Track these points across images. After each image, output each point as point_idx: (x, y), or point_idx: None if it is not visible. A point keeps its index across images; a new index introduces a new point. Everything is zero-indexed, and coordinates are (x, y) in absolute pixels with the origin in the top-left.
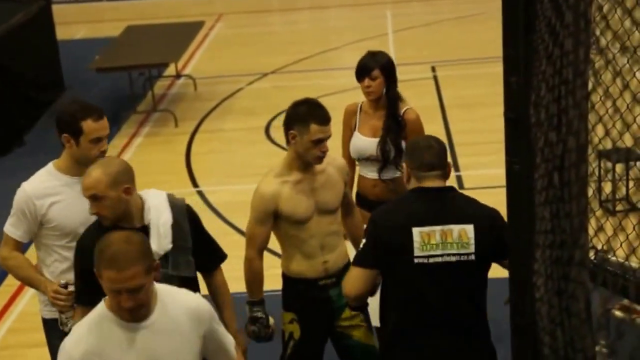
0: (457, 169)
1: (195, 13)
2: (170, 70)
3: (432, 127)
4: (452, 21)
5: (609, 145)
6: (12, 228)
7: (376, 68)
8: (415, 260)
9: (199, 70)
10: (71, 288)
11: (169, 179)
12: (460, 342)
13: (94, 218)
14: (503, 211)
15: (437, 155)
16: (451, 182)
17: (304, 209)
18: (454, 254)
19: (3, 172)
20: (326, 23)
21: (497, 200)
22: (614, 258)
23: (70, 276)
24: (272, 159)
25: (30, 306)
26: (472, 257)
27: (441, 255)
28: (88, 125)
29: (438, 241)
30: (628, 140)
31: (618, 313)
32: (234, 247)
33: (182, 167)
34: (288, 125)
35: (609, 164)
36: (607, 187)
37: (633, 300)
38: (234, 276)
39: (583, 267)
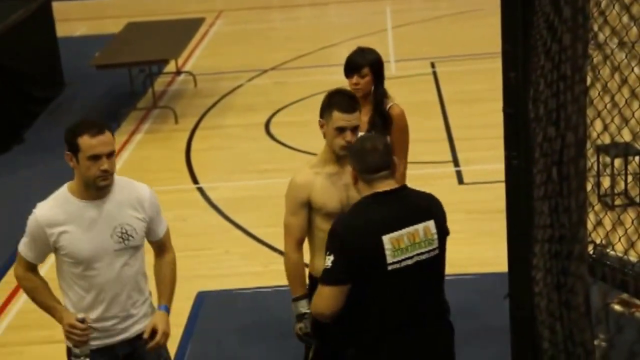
0: (456, 164)
1: (195, 10)
2: (171, 67)
3: (432, 123)
4: (451, 17)
5: (607, 139)
6: (25, 249)
7: (366, 66)
8: (389, 267)
9: (199, 66)
10: (89, 324)
11: (169, 176)
12: (438, 329)
13: (107, 246)
14: (502, 206)
15: (381, 157)
16: (450, 177)
17: (336, 201)
18: (423, 252)
19: (2, 170)
20: (326, 19)
21: (496, 195)
22: (612, 252)
23: (91, 312)
24: (272, 155)
25: (29, 303)
26: (437, 250)
27: (411, 257)
28: (84, 141)
29: (407, 244)
30: (626, 135)
31: (617, 307)
32: (234, 244)
33: (182, 164)
34: (320, 115)
35: (608, 159)
36: (606, 182)
37: (632, 294)
38: (234, 272)
39: (582, 261)
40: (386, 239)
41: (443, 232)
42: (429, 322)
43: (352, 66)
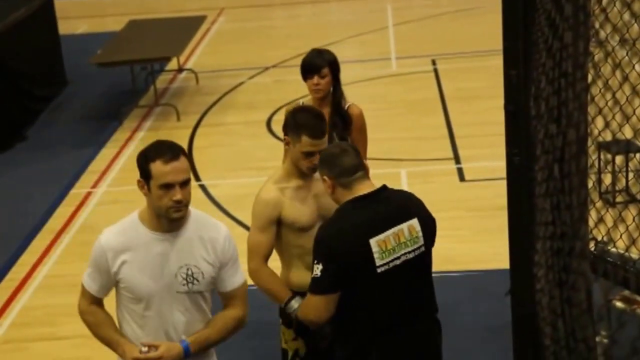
0: (457, 161)
1: (197, 7)
2: (172, 64)
3: (433, 120)
4: (452, 14)
5: (608, 137)
6: (88, 280)
7: (325, 66)
8: (378, 270)
9: (200, 64)
10: (153, 353)
11: None
12: (428, 327)
13: (170, 285)
14: (503, 203)
15: (354, 157)
16: (452, 174)
17: (308, 215)
18: (410, 252)
19: (5, 167)
20: (327, 17)
21: (497, 192)
22: (614, 249)
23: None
24: (273, 152)
25: (33, 300)
26: (423, 248)
27: (399, 257)
28: (156, 167)
29: (394, 245)
30: (628, 132)
31: (619, 304)
32: (236, 240)
33: None
34: (284, 131)
35: (609, 156)
36: (607, 179)
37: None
38: None
39: (584, 258)
40: (373, 241)
41: (428, 229)
42: (419, 320)
43: (311, 67)
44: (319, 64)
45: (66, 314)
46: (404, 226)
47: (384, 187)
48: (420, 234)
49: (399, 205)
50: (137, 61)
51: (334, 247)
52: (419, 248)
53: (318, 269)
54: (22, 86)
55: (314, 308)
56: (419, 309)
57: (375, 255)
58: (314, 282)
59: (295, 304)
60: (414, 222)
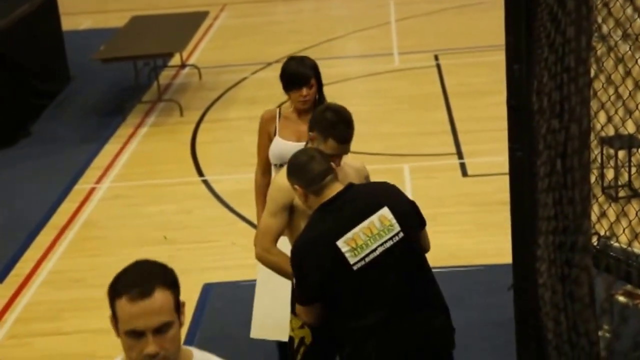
0: (460, 157)
1: (199, 3)
2: (175, 60)
3: (435, 115)
4: (455, 10)
5: (611, 131)
6: None
7: (312, 76)
8: (355, 267)
9: (203, 60)
10: None
11: (174, 168)
12: (433, 312)
13: None
14: (506, 198)
15: (322, 162)
16: (454, 169)
17: None
18: (386, 241)
19: (10, 163)
20: (329, 12)
21: (499, 187)
22: (616, 244)
23: None
24: None
25: (37, 296)
26: (401, 234)
27: (375, 249)
28: (121, 306)
29: (365, 239)
30: (630, 127)
31: (621, 298)
32: (239, 235)
33: (187, 157)
34: (311, 126)
35: (612, 151)
36: (610, 174)
37: (636, 285)
38: (239, 264)
39: (586, 252)
40: (341, 242)
41: (402, 214)
42: (419, 307)
43: (301, 79)
44: (307, 74)
45: (71, 309)
46: (374, 218)
47: (350, 185)
48: (394, 221)
49: (364, 200)
50: (140, 57)
51: (304, 259)
52: (396, 235)
53: (294, 282)
54: (26, 82)
55: (305, 316)
56: (417, 296)
57: (347, 255)
58: (295, 294)
59: None
60: (385, 212)
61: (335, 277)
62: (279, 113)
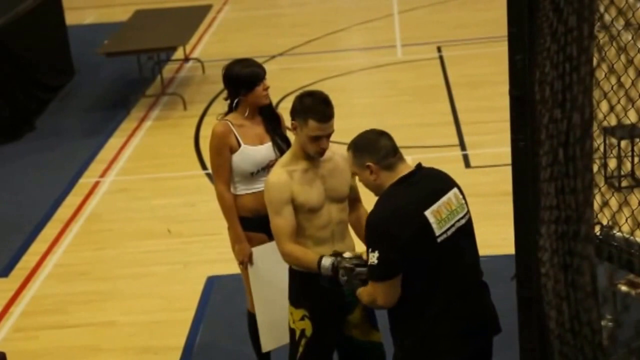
0: (463, 148)
1: None
2: (179, 53)
3: (439, 106)
4: (458, 1)
5: (613, 121)
6: None
7: (264, 71)
8: (439, 239)
9: (207, 53)
10: None
11: (178, 162)
12: (486, 297)
13: None
14: (509, 188)
15: (390, 139)
16: (457, 161)
17: (316, 196)
18: (461, 218)
19: (15, 157)
20: (333, 4)
21: (502, 178)
22: (619, 233)
23: None
24: None
25: (43, 289)
26: (469, 215)
27: (453, 225)
28: None
29: (447, 213)
30: (633, 116)
31: (623, 287)
32: None
33: (191, 150)
34: (291, 116)
35: (614, 140)
36: (612, 163)
37: (638, 274)
38: None
39: (589, 241)
40: (428, 213)
41: (464, 196)
42: (479, 288)
43: (259, 75)
44: (262, 69)
45: (76, 302)
46: (451, 194)
47: (420, 165)
48: (463, 200)
49: (439, 179)
50: (143, 51)
51: (391, 228)
52: (466, 214)
53: (374, 257)
54: (31, 76)
55: (381, 295)
56: (478, 273)
57: (434, 226)
58: (372, 271)
59: (325, 262)
60: (456, 191)
61: (419, 248)
62: (232, 124)
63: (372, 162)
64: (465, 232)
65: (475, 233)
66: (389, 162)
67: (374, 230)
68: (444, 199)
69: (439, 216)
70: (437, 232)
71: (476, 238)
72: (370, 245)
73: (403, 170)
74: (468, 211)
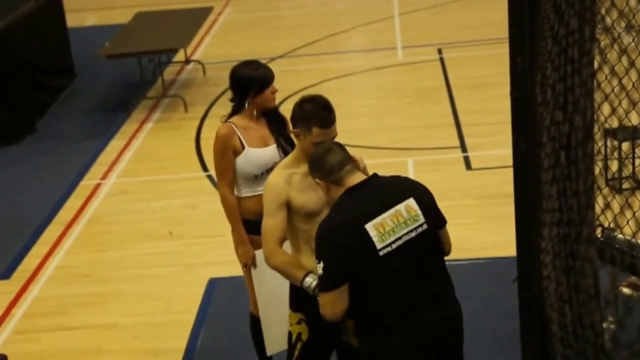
0: (464, 150)
1: None
2: (180, 56)
3: (439, 108)
4: (458, 3)
5: (615, 123)
6: None
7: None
8: (380, 253)
9: (208, 55)
10: None
11: (179, 164)
12: (447, 309)
13: None
14: (510, 190)
15: (339, 153)
16: (458, 162)
17: (315, 201)
18: (411, 230)
19: (16, 159)
20: (334, 6)
21: (504, 180)
22: (621, 235)
23: None
24: None
25: (45, 291)
26: (425, 225)
27: (400, 237)
28: None
29: (392, 226)
30: (634, 118)
31: (626, 290)
32: None
33: (192, 152)
34: (292, 123)
35: (616, 142)
36: (614, 165)
37: None
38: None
39: (591, 244)
40: (369, 226)
41: (426, 206)
42: (436, 300)
43: (269, 77)
44: (272, 72)
45: (77, 304)
46: (401, 206)
47: (375, 175)
48: (419, 212)
49: (392, 188)
50: (144, 53)
51: (331, 241)
52: (420, 226)
53: (320, 267)
54: (32, 78)
55: (327, 305)
56: (435, 288)
57: (375, 239)
58: (320, 281)
59: (309, 279)
60: (411, 202)
61: (361, 261)
62: (235, 127)
63: (319, 179)
64: (417, 246)
65: (437, 243)
66: (335, 178)
67: (319, 241)
68: (391, 211)
69: (381, 229)
70: (379, 246)
71: (440, 248)
72: (317, 255)
73: (351, 182)
74: (425, 223)
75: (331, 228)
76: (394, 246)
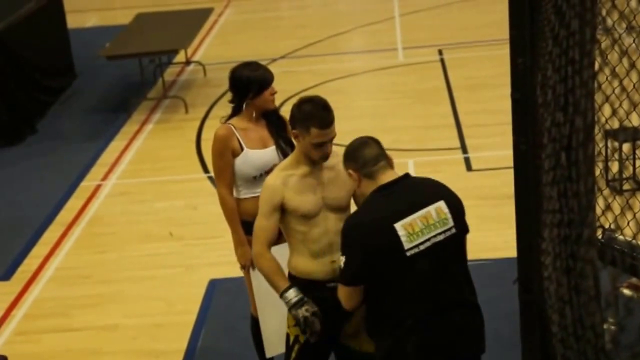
0: (464, 151)
1: (204, 0)
2: (180, 56)
3: (440, 109)
4: (459, 4)
5: (615, 124)
6: None
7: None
8: (408, 253)
9: (208, 56)
10: None
11: (180, 165)
12: (468, 315)
13: None
14: (511, 191)
15: (375, 148)
16: (459, 163)
17: (311, 203)
18: (439, 233)
19: (16, 160)
20: (334, 7)
21: (504, 181)
22: (621, 237)
23: None
24: None
25: (45, 292)
26: (453, 229)
27: (429, 239)
28: None
29: (422, 227)
30: (635, 120)
31: (626, 291)
32: None
33: (192, 153)
34: (291, 124)
35: (616, 144)
36: (615, 167)
37: None
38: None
39: (591, 245)
40: (399, 225)
41: (456, 211)
42: (457, 306)
43: (269, 78)
44: (271, 74)
45: (78, 306)
46: (431, 208)
47: (407, 175)
48: (449, 215)
49: (423, 189)
50: (145, 54)
51: (358, 237)
52: (448, 230)
53: (342, 261)
54: (32, 79)
55: (343, 296)
56: (457, 293)
57: (403, 239)
58: (340, 273)
59: (289, 295)
60: (441, 204)
61: (386, 260)
62: (234, 127)
63: (352, 170)
64: (443, 249)
65: (462, 252)
66: (369, 171)
67: (345, 236)
68: (422, 211)
69: (410, 229)
70: (407, 246)
71: (465, 253)
72: (341, 248)
73: (384, 179)
74: (453, 227)
75: (360, 225)
76: (421, 247)
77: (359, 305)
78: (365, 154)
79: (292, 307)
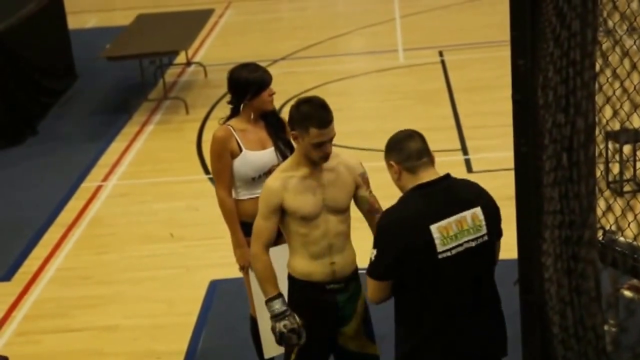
0: (465, 152)
1: (204, 1)
2: (181, 58)
3: (440, 111)
4: (460, 5)
5: (617, 125)
6: None
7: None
8: (440, 256)
9: (209, 57)
10: None
11: (181, 166)
12: (490, 320)
13: None
14: (512, 193)
15: (421, 142)
16: (459, 165)
17: (311, 205)
18: (472, 239)
19: (17, 161)
20: (334, 9)
21: (505, 183)
22: (622, 238)
23: None
24: None
25: (45, 293)
26: (486, 237)
27: (461, 244)
28: None
29: (456, 231)
30: (636, 121)
31: (627, 292)
32: None
33: (193, 154)
34: (290, 126)
35: (617, 145)
36: (616, 168)
37: None
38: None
39: (592, 246)
40: (434, 227)
41: (492, 218)
42: (481, 311)
43: (267, 80)
44: (269, 75)
45: (78, 307)
46: (467, 214)
47: (448, 175)
48: (484, 222)
49: (462, 193)
50: (145, 55)
51: (394, 234)
52: (481, 237)
53: (373, 254)
54: (33, 80)
55: (370, 289)
56: (482, 299)
57: (437, 242)
58: (369, 265)
59: (274, 305)
60: (477, 211)
61: (417, 260)
62: (233, 129)
63: (394, 162)
64: (475, 255)
65: (492, 259)
66: (411, 165)
67: (379, 230)
68: (458, 216)
69: (445, 232)
70: (440, 249)
71: (494, 262)
72: (374, 241)
73: (425, 176)
74: (486, 234)
75: (396, 221)
76: (453, 252)
77: (384, 300)
78: (410, 147)
79: (273, 317)
